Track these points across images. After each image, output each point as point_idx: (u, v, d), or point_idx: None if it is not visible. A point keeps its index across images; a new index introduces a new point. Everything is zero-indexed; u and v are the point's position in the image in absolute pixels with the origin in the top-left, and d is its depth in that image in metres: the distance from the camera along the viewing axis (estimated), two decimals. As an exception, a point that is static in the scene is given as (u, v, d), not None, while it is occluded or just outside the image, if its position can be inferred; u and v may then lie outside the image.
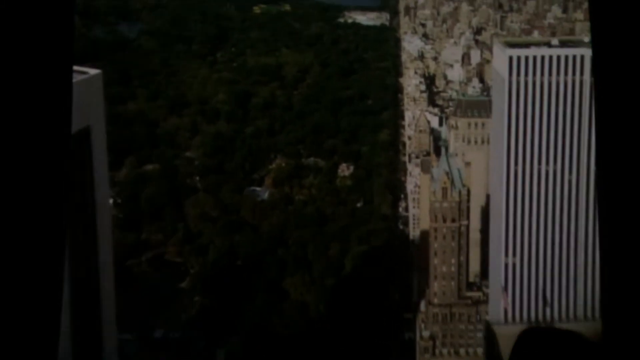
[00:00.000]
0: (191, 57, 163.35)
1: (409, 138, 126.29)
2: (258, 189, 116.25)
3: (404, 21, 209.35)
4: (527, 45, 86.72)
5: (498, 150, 79.80)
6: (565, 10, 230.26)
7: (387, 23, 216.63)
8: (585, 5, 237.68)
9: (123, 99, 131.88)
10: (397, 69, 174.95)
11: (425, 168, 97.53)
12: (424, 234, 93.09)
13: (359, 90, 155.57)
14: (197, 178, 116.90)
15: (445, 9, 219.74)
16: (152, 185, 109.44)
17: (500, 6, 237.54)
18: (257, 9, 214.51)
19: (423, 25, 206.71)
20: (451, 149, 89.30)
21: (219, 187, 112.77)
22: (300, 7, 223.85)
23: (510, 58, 77.20)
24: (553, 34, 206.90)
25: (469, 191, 79.96)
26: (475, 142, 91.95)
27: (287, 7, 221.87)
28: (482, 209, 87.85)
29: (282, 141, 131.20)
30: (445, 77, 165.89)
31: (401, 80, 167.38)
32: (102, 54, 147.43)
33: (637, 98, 2.77)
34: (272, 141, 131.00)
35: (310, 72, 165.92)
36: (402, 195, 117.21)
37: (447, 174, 78.68)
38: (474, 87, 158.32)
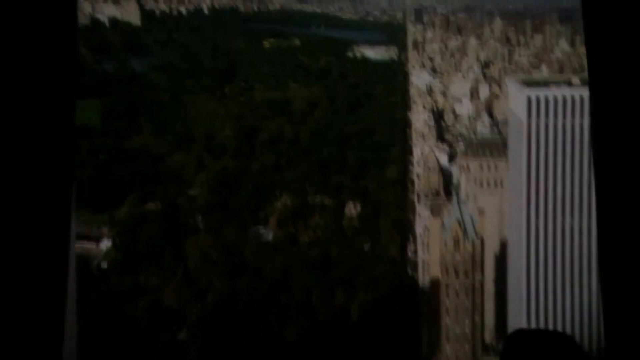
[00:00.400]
0: (200, 92, 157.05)
1: (418, 176, 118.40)
2: (262, 229, 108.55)
3: (412, 55, 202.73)
4: (545, 83, 78.83)
5: (516, 198, 71.83)
6: (572, 44, 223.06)
7: (396, 57, 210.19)
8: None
9: (128, 134, 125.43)
10: (405, 103, 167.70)
11: (435, 212, 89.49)
12: (434, 283, 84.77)
13: (366, 125, 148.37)
14: (200, 217, 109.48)
15: (453, 43, 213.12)
16: (152, 224, 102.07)
17: (508, 40, 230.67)
18: (266, 43, 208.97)
19: (431, 59, 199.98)
20: (462, 192, 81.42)
21: (221, 227, 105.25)
22: (309, 41, 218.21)
23: (529, 99, 69.55)
24: (562, 69, 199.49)
25: (482, 241, 71.76)
26: (488, 184, 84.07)
27: (297, 42, 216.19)
28: (497, 257, 79.69)
29: (288, 177, 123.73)
30: (453, 111, 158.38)
31: (409, 114, 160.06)
32: (111, 89, 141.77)
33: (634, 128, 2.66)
34: (278, 177, 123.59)
35: (318, 107, 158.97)
36: (411, 237, 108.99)
37: (459, 222, 70.77)
38: (483, 122, 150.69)
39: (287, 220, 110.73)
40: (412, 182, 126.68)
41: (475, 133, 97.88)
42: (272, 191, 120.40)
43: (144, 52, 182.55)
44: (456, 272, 68.43)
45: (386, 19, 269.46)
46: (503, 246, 78.56)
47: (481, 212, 72.35)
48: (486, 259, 72.78)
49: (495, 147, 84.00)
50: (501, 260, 76.18)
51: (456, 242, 68.84)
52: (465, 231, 69.12)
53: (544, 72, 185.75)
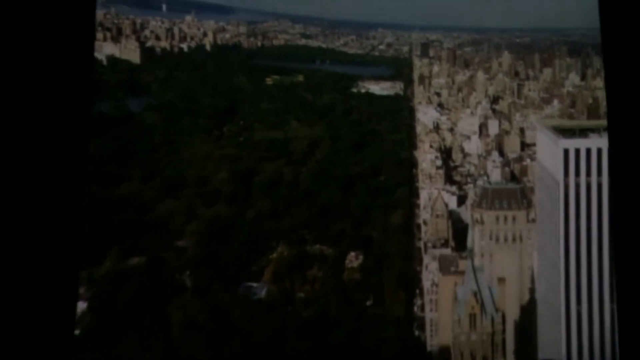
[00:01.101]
0: (196, 132, 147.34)
1: (425, 223, 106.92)
2: (255, 285, 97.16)
3: (418, 90, 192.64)
4: (582, 132, 66.15)
5: (549, 273, 59.98)
6: (583, 78, 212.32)
7: (401, 92, 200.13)
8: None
9: (116, 181, 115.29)
10: (411, 141, 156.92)
11: (445, 268, 77.95)
12: (444, 351, 72.79)
13: (371, 165, 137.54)
14: (188, 272, 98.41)
15: (461, 77, 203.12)
16: (134, 283, 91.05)
17: (517, 74, 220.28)
18: (269, 80, 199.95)
19: (438, 94, 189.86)
20: (476, 249, 69.90)
21: (210, 284, 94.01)
22: (313, 77, 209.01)
23: (566, 153, 57.77)
24: (573, 103, 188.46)
25: (504, 318, 59.65)
26: (505, 240, 72.43)
27: (300, 78, 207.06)
28: (517, 325, 67.76)
29: (285, 225, 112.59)
30: (462, 150, 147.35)
31: (415, 153, 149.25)
32: (103, 130, 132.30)
33: None
34: (275, 225, 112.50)
35: (320, 147, 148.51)
36: (417, 291, 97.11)
37: (475, 295, 58.89)
38: (493, 161, 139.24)
39: (283, 273, 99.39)
40: (419, 227, 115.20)
41: (489, 181, 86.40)
42: (267, 241, 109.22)
43: (142, 91, 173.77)
44: (472, 357, 56.73)
45: (392, 53, 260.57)
46: (524, 314, 67.04)
47: (501, 281, 60.41)
48: (507, 334, 60.79)
49: (513, 196, 72.95)
50: (521, 331, 64.47)
51: (472, 319, 57.24)
52: (482, 305, 57.55)
53: (556, 107, 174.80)
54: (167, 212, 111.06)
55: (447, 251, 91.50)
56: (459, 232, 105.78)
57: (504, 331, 57.57)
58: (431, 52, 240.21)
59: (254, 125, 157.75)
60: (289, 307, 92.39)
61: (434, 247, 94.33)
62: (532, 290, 68.82)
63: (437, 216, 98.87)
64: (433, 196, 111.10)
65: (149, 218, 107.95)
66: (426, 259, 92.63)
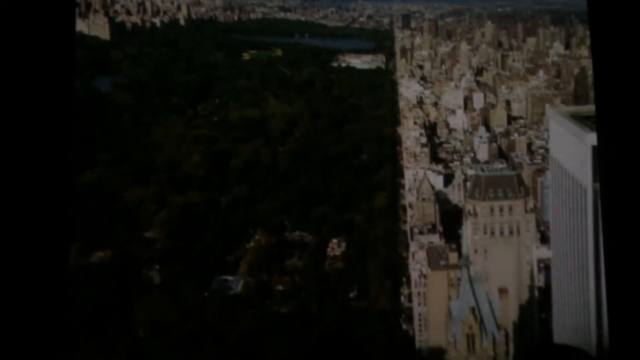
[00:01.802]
0: (168, 112, 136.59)
1: (410, 206, 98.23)
2: (230, 278, 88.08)
3: (400, 64, 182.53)
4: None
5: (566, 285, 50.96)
6: (567, 47, 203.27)
7: (383, 66, 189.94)
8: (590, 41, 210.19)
9: (81, 167, 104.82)
10: (394, 117, 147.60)
11: (434, 262, 69.41)
12: (436, 353, 64.74)
13: (352, 144, 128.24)
14: (157, 267, 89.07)
15: (443, 49, 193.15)
16: (97, 281, 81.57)
17: (500, 44, 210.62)
18: (246, 55, 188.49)
19: (421, 67, 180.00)
20: (469, 242, 61.05)
21: (181, 279, 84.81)
22: (292, 52, 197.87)
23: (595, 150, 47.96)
24: (559, 73, 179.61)
25: (507, 336, 50.31)
26: (502, 233, 63.65)
27: (279, 52, 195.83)
28: (515, 327, 59.48)
29: (263, 211, 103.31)
30: (447, 125, 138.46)
31: (399, 130, 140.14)
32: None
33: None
34: (252, 212, 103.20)
35: (299, 125, 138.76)
36: (404, 279, 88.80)
37: (472, 311, 49.62)
38: (480, 137, 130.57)
39: (260, 264, 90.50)
40: (404, 209, 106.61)
41: (482, 168, 76.78)
42: (244, 229, 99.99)
43: (111, 70, 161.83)
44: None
45: (372, 26, 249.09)
46: (525, 314, 58.64)
47: (502, 292, 50.92)
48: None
49: (508, 183, 63.83)
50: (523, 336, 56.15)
51: (470, 340, 48.32)
52: (482, 323, 48.45)
53: (541, 77, 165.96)
54: (134, 200, 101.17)
55: (435, 238, 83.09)
56: (447, 215, 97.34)
57: (507, 353, 48.24)
58: (412, 24, 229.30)
59: (229, 103, 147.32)
60: (267, 302, 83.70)
61: (421, 232, 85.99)
62: (531, 289, 60.53)
63: (424, 200, 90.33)
64: (418, 177, 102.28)
65: (114, 207, 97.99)
66: (413, 247, 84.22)
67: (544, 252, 73.00)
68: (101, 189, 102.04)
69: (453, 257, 66.26)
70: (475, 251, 61.30)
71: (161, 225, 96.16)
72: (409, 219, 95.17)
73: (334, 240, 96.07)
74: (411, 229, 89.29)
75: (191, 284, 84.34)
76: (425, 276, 74.20)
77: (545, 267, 75.01)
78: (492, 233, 63.64)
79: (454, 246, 72.50)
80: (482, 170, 71.76)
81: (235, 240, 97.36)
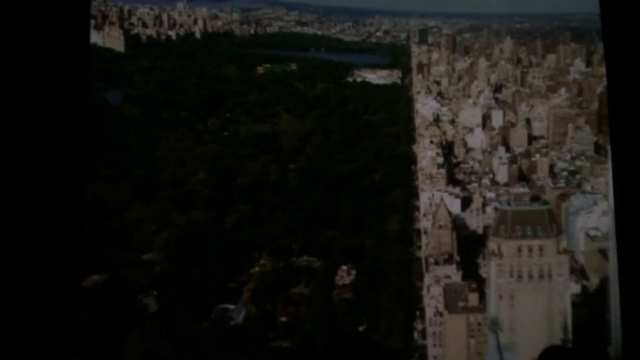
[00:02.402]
0: (176, 126, 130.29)
1: (425, 232, 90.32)
2: (232, 307, 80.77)
3: (416, 79, 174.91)
4: None
5: None
6: (588, 64, 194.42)
7: (399, 81, 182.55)
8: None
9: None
10: (409, 135, 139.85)
11: (451, 302, 61.60)
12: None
13: (365, 163, 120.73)
14: (154, 293, 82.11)
15: (461, 65, 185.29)
16: (89, 308, 74.70)
17: (519, 61, 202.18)
18: (260, 69, 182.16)
19: (437, 83, 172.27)
20: (492, 286, 52.98)
21: (178, 307, 77.74)
22: (306, 66, 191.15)
23: None
24: (580, 92, 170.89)
25: None
26: (531, 277, 55.19)
27: (293, 66, 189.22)
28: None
29: (269, 233, 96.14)
30: (464, 144, 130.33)
31: (414, 148, 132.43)
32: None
33: None
34: (257, 234, 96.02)
35: (311, 141, 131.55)
36: (417, 312, 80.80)
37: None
38: (500, 157, 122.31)
39: (265, 292, 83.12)
40: (418, 235, 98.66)
41: (508, 202, 68.12)
42: (248, 252, 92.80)
43: (123, 82, 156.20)
44: None
45: (389, 40, 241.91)
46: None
47: None
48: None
49: (539, 220, 55.69)
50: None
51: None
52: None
53: (563, 95, 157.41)
54: (135, 219, 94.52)
55: (452, 269, 75.05)
56: (464, 242, 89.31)
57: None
58: (430, 39, 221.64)
59: (240, 118, 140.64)
60: (270, 335, 76.18)
61: (437, 263, 78.08)
62: (564, 342, 52.64)
63: (440, 227, 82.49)
64: (434, 200, 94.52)
65: (112, 226, 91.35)
66: (428, 278, 76.20)
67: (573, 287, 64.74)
68: (101, 206, 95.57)
69: (473, 298, 58.31)
70: (500, 297, 53.27)
71: (161, 247, 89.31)
72: (423, 246, 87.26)
73: (343, 267, 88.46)
74: (426, 259, 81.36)
75: (189, 313, 77.21)
76: (441, 314, 66.24)
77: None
78: (520, 277, 55.40)
79: (473, 285, 64.38)
80: (509, 204, 63.16)
81: (239, 264, 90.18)
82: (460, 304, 60.28)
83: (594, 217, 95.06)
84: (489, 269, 56.53)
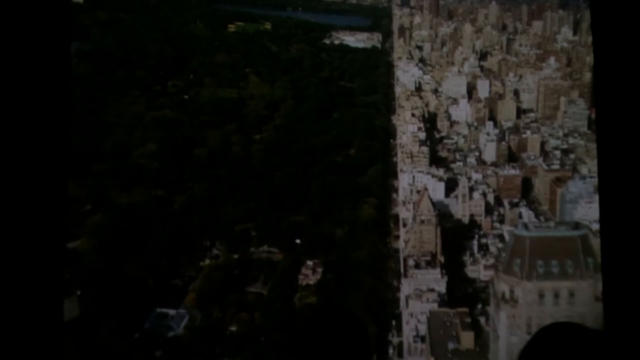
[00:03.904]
0: (130, 87, 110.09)
1: (404, 225, 73.27)
2: (171, 312, 63.57)
3: (398, 44, 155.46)
4: None
5: None
6: (576, 32, 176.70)
7: (379, 45, 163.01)
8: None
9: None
10: (388, 105, 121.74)
11: (436, 339, 45.18)
12: None
13: (339, 135, 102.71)
14: (78, 292, 64.32)
15: (445, 29, 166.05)
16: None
17: (505, 27, 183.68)
18: (232, 28, 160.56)
19: (420, 48, 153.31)
20: (501, 344, 35.95)
21: (106, 312, 60.18)
22: (282, 26, 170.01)
23: None
24: (569, 61, 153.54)
25: None
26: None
27: (267, 26, 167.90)
28: None
29: (225, 217, 78.48)
30: (449, 117, 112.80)
31: (394, 119, 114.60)
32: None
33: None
34: (211, 217, 78.23)
35: (281, 109, 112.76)
36: (393, 323, 64.49)
37: None
38: (487, 133, 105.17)
39: (214, 292, 66.11)
40: (396, 221, 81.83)
41: (525, 224, 49.15)
42: (199, 240, 75.15)
43: (78, 36, 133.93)
44: None
45: (370, 2, 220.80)
46: None
47: None
48: None
49: (568, 250, 37.95)
50: None
51: None
52: None
53: (553, 65, 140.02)
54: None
55: (436, 274, 58.56)
56: (449, 236, 72.65)
57: None
58: (412, 1, 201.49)
59: (204, 80, 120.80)
60: (215, 350, 59.50)
61: (417, 265, 61.68)
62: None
63: (422, 222, 65.79)
64: (415, 184, 77.44)
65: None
66: (406, 286, 59.56)
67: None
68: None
69: (467, 339, 41.76)
70: None
71: (91, 234, 71.00)
72: (402, 243, 70.36)
73: (308, 263, 71.45)
74: (405, 260, 64.51)
75: (118, 320, 59.74)
76: (422, 339, 49.91)
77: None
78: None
79: (467, 319, 47.57)
80: (526, 227, 44.42)
81: (187, 255, 72.59)
82: (450, 344, 43.66)
83: (595, 207, 79.05)
84: (497, 319, 39.08)
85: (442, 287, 59.04)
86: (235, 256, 73.64)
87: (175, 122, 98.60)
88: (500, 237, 77.72)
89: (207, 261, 72.64)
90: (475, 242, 75.40)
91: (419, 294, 55.16)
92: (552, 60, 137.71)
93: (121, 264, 67.33)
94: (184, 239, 73.79)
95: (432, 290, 55.82)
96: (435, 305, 54.34)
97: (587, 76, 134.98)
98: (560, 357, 2.39)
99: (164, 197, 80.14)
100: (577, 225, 45.87)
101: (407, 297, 57.52)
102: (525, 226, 44.63)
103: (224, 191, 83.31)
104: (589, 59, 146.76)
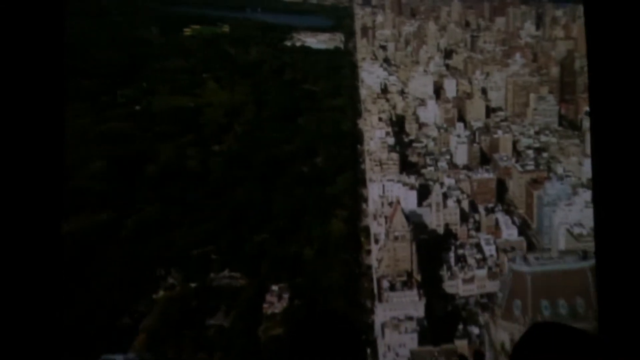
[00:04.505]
0: (75, 99, 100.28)
1: (377, 240, 66.29)
2: (119, 357, 55.28)
3: (361, 44, 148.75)
4: None
5: None
6: (539, 27, 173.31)
7: (342, 46, 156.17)
8: (564, 21, 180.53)
9: None
10: (354, 108, 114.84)
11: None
12: None
13: (304, 143, 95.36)
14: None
15: (408, 28, 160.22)
16: None
17: (468, 24, 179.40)
18: (187, 31, 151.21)
19: (383, 48, 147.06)
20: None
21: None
22: (240, 28, 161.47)
23: None
24: (535, 56, 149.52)
25: None
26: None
27: (225, 29, 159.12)
28: None
29: (181, 241, 70.27)
30: (417, 119, 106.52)
31: (360, 123, 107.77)
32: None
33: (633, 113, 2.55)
34: (166, 241, 69.87)
35: (241, 117, 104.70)
36: (369, 350, 57.56)
37: None
38: (458, 135, 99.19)
39: (168, 329, 57.98)
40: (367, 233, 75.00)
41: (524, 257, 41.73)
42: (152, 268, 66.73)
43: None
44: None
45: (331, 2, 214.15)
46: None
47: None
48: None
49: (577, 286, 31.31)
50: None
51: None
52: None
53: (519, 62, 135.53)
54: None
55: (413, 295, 51.84)
56: (424, 248, 66.07)
57: None
58: (373, 0, 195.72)
59: (158, 88, 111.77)
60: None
61: (392, 287, 54.80)
62: None
63: (396, 238, 58.96)
64: (385, 196, 70.62)
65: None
66: (381, 312, 52.61)
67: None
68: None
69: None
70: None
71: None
72: (374, 262, 63.28)
73: (274, 288, 63.84)
74: (379, 281, 57.50)
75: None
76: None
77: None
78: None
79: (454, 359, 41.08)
80: (525, 259, 37.41)
81: (137, 287, 64.08)
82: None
83: (575, 209, 73.72)
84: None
85: (420, 311, 52.39)
86: (193, 285, 65.49)
87: (125, 135, 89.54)
88: (477, 247, 71.65)
89: (161, 293, 64.26)
90: (452, 254, 69.00)
91: (396, 323, 48.31)
92: (517, 56, 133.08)
93: (59, 305, 58.32)
94: (133, 269, 65.25)
95: (410, 318, 49.05)
96: (414, 336, 47.66)
97: (554, 71, 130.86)
98: (553, 353, 2.36)
99: (112, 220, 71.27)
100: (585, 255, 38.93)
101: (383, 325, 50.52)
102: (525, 259, 37.71)
103: (178, 211, 74.94)
104: (554, 53, 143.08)
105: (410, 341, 47.01)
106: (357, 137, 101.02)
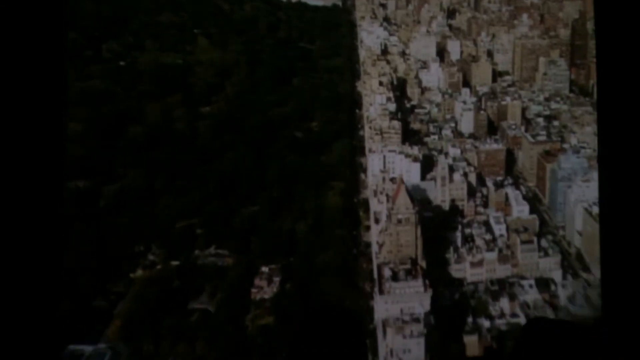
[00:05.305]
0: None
1: (377, 220, 57.95)
2: (88, 348, 47.54)
3: (360, 1, 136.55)
4: None
5: None
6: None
7: (340, 3, 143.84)
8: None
9: None
10: (353, 69, 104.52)
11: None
12: None
13: (299, 106, 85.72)
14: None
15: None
16: None
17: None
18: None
19: (383, 6, 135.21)
20: None
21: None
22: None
23: None
24: (542, 17, 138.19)
25: None
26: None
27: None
28: None
29: (164, 212, 61.77)
30: (419, 82, 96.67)
31: (359, 86, 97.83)
32: None
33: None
34: (147, 212, 61.36)
35: (233, 76, 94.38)
36: (368, 341, 50.24)
37: None
38: (463, 102, 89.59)
39: (145, 316, 50.17)
40: (366, 209, 66.72)
41: (531, 306, 33.22)
42: (131, 243, 58.34)
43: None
44: None
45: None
46: None
47: None
48: None
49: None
50: None
51: None
52: None
53: (526, 22, 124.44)
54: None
55: (418, 285, 44.13)
56: (428, 228, 57.81)
57: None
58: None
59: (145, 43, 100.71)
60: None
61: (394, 277, 46.93)
62: None
63: (399, 221, 50.58)
64: (387, 171, 61.96)
65: None
66: (382, 306, 44.70)
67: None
68: None
69: None
70: None
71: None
72: (374, 246, 55.02)
73: (264, 269, 55.80)
74: (379, 269, 49.44)
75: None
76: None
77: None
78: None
79: None
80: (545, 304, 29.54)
81: (114, 265, 55.85)
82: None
83: (593, 185, 65.44)
84: None
85: (426, 305, 44.65)
86: (175, 263, 57.34)
87: (107, 93, 79.45)
88: (486, 225, 63.60)
89: (140, 272, 56.09)
90: (458, 234, 60.94)
91: (400, 326, 40.61)
92: (524, 17, 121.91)
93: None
94: (111, 244, 56.86)
95: (416, 320, 41.32)
96: (421, 341, 40.12)
97: (563, 33, 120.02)
98: (555, 347, 2.32)
99: (88, 188, 62.36)
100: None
101: (385, 323, 42.79)
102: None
103: (163, 179, 66.04)
104: (562, 14, 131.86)
105: (417, 347, 39.56)
106: (355, 101, 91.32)
